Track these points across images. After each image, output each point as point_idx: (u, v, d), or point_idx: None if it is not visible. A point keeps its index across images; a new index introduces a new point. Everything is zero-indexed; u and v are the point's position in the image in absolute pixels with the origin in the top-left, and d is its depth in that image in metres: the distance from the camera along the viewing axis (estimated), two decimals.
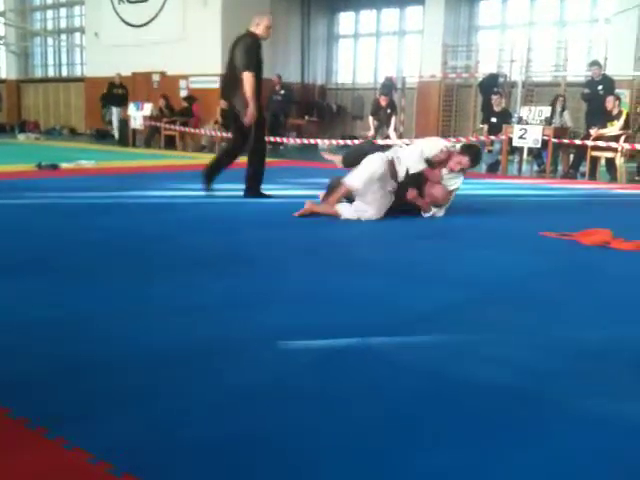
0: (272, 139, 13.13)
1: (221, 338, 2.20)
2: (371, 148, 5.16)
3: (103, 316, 2.40)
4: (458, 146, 5.26)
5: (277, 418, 1.63)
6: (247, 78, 5.47)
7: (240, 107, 5.61)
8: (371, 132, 11.42)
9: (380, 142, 10.83)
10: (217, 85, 15.47)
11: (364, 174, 4.59)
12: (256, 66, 5.56)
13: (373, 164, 4.64)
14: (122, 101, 14.76)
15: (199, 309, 2.51)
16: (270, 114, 14.60)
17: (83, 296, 2.65)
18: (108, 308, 2.49)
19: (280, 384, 1.84)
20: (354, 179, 4.62)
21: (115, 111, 15.10)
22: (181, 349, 2.08)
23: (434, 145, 5.02)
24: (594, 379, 1.94)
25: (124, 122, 13.96)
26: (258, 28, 5.71)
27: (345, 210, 4.69)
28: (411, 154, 4.89)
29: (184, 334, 2.21)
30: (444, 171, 4.95)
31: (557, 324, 2.49)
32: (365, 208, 4.65)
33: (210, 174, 5.84)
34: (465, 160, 4.93)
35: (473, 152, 5.08)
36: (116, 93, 15.08)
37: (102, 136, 16.56)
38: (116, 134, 14.95)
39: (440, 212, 4.97)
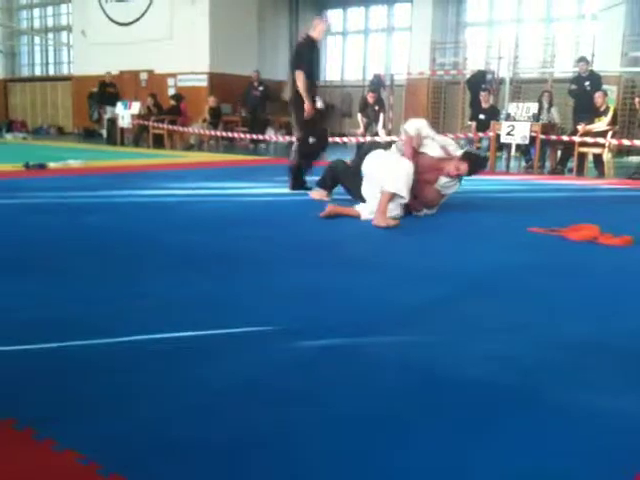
0: (254, 136, 13.12)
1: (208, 337, 2.20)
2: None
3: (90, 316, 2.39)
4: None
5: (264, 418, 1.63)
6: (298, 76, 5.93)
7: (290, 106, 6.24)
8: (360, 129, 11.42)
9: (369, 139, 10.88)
10: (205, 83, 15.47)
11: (404, 178, 4.52)
12: (308, 66, 5.97)
13: (406, 167, 4.58)
14: (114, 100, 14.56)
15: (186, 308, 2.51)
16: (248, 111, 14.61)
17: (70, 296, 2.64)
18: (95, 307, 2.49)
19: (267, 383, 1.84)
20: (399, 186, 4.50)
21: (110, 110, 14.93)
22: (168, 348, 2.08)
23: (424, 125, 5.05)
24: (582, 373, 1.96)
25: (112, 121, 13.90)
26: (314, 31, 6.07)
27: (364, 211, 4.67)
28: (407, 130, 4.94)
29: (171, 333, 2.21)
30: (443, 178, 4.93)
31: (545, 318, 2.50)
32: (390, 207, 4.59)
33: (297, 178, 6.26)
34: (464, 167, 4.87)
35: (475, 161, 4.98)
36: (108, 92, 14.97)
37: (90, 135, 16.50)
38: (104, 133, 14.89)
39: (431, 211, 4.99)
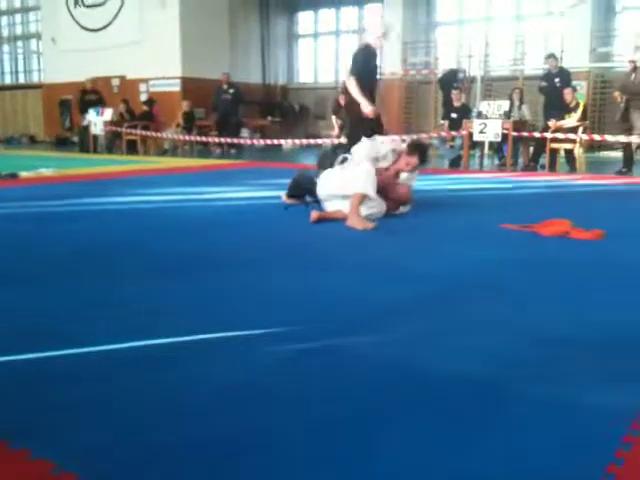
0: (223, 140, 12.85)
1: (188, 342, 2.19)
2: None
3: (65, 325, 2.37)
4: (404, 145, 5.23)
5: (246, 420, 1.63)
6: (349, 82, 6.02)
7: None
8: (335, 131, 11.43)
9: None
10: (178, 88, 15.41)
11: (366, 177, 4.54)
12: (366, 71, 6.03)
13: (365, 167, 4.59)
14: (97, 107, 14.15)
15: (167, 314, 2.50)
16: (218, 115, 14.16)
17: (47, 305, 2.61)
18: (72, 316, 2.47)
19: (249, 386, 1.84)
20: (367, 187, 4.52)
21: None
22: (147, 353, 2.07)
23: (374, 145, 5.01)
24: (557, 366, 1.98)
25: (85, 128, 13.77)
26: (370, 38, 6.15)
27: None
28: (357, 157, 4.90)
29: (151, 340, 2.20)
30: (402, 174, 4.98)
31: (521, 313, 2.53)
32: (373, 205, 4.64)
33: None
34: (414, 160, 4.89)
35: (421, 151, 4.96)
36: (88, 99, 14.70)
37: (62, 143, 16.35)
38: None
39: (406, 208, 5.02)
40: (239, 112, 14.52)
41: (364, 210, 4.57)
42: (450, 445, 1.50)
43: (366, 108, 5.86)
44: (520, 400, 1.74)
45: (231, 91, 14.17)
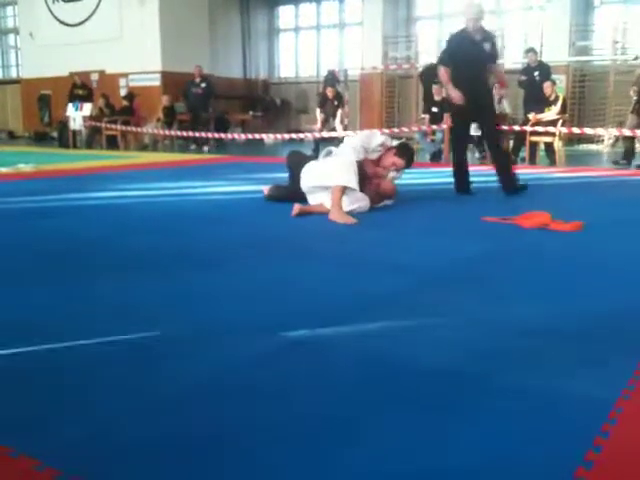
0: (192, 135, 12.32)
1: (167, 337, 2.18)
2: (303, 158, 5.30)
3: (41, 320, 2.35)
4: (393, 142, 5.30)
5: (228, 415, 1.63)
6: (439, 71, 5.99)
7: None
8: (318, 125, 11.42)
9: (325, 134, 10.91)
10: (158, 82, 15.31)
11: (347, 168, 4.53)
12: (458, 55, 5.79)
13: (345, 159, 4.61)
14: (86, 101, 13.79)
15: (146, 309, 2.49)
16: (188, 109, 13.74)
17: (23, 301, 2.60)
18: (49, 312, 2.45)
19: (229, 379, 1.84)
20: (348, 179, 4.51)
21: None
22: (127, 350, 2.07)
23: (372, 137, 5.06)
24: (537, 357, 2.00)
25: (64, 124, 13.65)
26: (466, 21, 5.90)
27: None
28: (344, 147, 4.92)
29: (130, 334, 2.19)
30: (391, 173, 5.06)
31: (501, 304, 2.55)
32: (357, 199, 4.67)
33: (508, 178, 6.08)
34: (400, 162, 5.03)
35: (409, 155, 5.15)
36: (76, 94, 14.51)
37: (41, 138, 16.20)
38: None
39: (390, 201, 5.04)
40: (209, 107, 13.90)
41: (348, 205, 4.58)
42: (431, 437, 1.52)
43: (454, 96, 5.75)
44: (500, 391, 1.76)
45: (203, 85, 13.58)
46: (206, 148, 12.91)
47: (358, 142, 4.90)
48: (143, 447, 1.47)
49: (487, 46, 5.83)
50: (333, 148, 5.02)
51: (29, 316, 2.42)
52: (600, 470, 1.37)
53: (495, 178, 6.07)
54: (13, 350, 2.06)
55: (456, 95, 5.74)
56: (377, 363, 1.96)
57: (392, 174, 5.06)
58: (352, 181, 4.52)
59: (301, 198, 5.14)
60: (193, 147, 13.34)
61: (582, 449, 1.44)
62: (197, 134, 12.27)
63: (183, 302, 2.59)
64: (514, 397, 1.72)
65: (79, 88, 14.69)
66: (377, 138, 5.05)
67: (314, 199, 4.82)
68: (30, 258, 3.43)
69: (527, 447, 1.47)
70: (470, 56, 5.76)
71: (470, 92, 5.74)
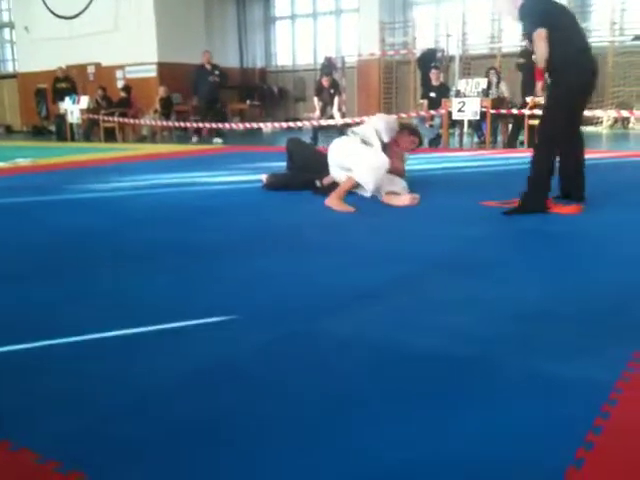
0: (207, 126, 12.20)
1: (166, 329, 2.18)
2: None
3: (39, 315, 2.36)
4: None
5: (224, 404, 1.63)
6: (539, 44, 4.07)
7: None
8: (316, 113, 11.38)
9: (323, 122, 10.88)
10: (154, 74, 15.26)
11: (376, 172, 4.47)
12: (563, 25, 4.19)
13: (382, 162, 4.52)
14: (69, 95, 13.62)
15: (144, 302, 2.49)
16: (203, 99, 12.93)
17: (22, 296, 2.60)
18: (48, 306, 2.45)
19: (227, 370, 1.84)
20: (368, 179, 4.46)
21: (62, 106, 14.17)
22: (124, 342, 2.07)
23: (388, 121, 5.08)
24: (535, 341, 2.00)
25: (61, 117, 13.62)
26: None
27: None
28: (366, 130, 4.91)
29: (127, 328, 2.19)
30: (405, 154, 5.16)
31: (500, 288, 2.55)
32: (396, 182, 4.78)
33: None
34: (416, 139, 5.21)
35: (419, 133, 5.33)
36: (60, 87, 14.43)
37: (39, 132, 16.17)
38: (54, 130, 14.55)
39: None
40: (226, 98, 13.44)
41: (392, 186, 4.67)
42: (430, 423, 1.52)
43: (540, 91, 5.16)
44: (500, 374, 1.76)
45: (217, 72, 12.82)
46: (220, 140, 12.25)
47: (379, 131, 4.84)
48: (140, 438, 1.47)
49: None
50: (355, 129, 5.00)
51: (26, 311, 2.42)
52: (600, 451, 1.37)
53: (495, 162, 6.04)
54: (10, 346, 2.06)
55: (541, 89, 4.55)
56: (375, 350, 1.96)
57: (405, 155, 5.17)
58: (370, 184, 4.49)
59: (299, 185, 5.14)
60: (195, 139, 12.77)
61: (582, 430, 1.44)
62: (209, 125, 12.03)
63: (179, 293, 2.59)
64: (514, 380, 1.72)
65: (62, 81, 14.59)
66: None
67: (336, 170, 4.84)
68: (28, 253, 3.42)
69: (527, 429, 1.47)
70: (577, 24, 4.37)
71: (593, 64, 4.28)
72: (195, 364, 1.88)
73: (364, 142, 4.73)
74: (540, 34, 4.02)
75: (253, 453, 1.40)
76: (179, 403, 1.64)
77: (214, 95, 12.92)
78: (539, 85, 4.53)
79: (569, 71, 4.12)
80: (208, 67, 12.80)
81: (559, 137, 4.27)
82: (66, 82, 14.65)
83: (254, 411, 1.59)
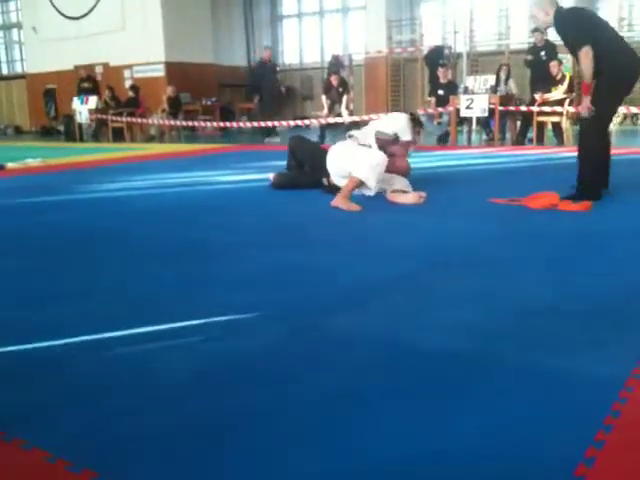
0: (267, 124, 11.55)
1: (175, 328, 2.19)
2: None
3: (49, 314, 2.37)
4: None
5: (231, 401, 1.64)
6: (583, 55, 4.22)
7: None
8: (325, 111, 11.36)
9: (331, 120, 10.87)
10: (162, 73, 15.28)
11: (376, 169, 4.50)
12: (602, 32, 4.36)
13: (379, 158, 4.56)
14: (92, 94, 13.53)
15: (153, 300, 2.50)
16: (267, 99, 12.38)
17: (31, 294, 2.61)
18: (56, 305, 2.46)
19: (233, 366, 1.85)
20: (369, 175, 4.48)
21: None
22: (132, 341, 2.08)
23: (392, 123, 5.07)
24: (542, 336, 1.99)
25: (70, 117, 13.65)
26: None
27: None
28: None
29: (136, 327, 2.20)
30: (410, 149, 5.15)
31: (507, 286, 2.54)
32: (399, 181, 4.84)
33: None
34: (418, 128, 5.27)
35: (418, 119, 5.38)
36: (83, 87, 14.44)
37: (48, 133, 16.22)
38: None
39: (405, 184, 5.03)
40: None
41: (404, 186, 4.74)
42: (436, 418, 1.52)
43: (584, 108, 4.37)
44: (509, 371, 1.76)
45: (278, 69, 12.30)
46: (277, 139, 11.90)
47: (383, 130, 4.94)
48: (150, 437, 1.48)
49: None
50: (354, 133, 4.99)
51: (36, 311, 2.43)
52: (611, 450, 1.36)
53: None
54: (20, 346, 2.07)
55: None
56: (381, 345, 1.96)
57: (410, 150, 5.16)
58: (372, 180, 4.51)
59: (307, 184, 5.14)
60: (267, 140, 11.97)
61: (593, 429, 1.44)
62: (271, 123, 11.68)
63: (186, 290, 2.60)
64: (522, 377, 1.72)
65: (85, 81, 14.66)
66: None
67: (341, 181, 4.82)
68: (37, 252, 3.44)
69: (537, 427, 1.46)
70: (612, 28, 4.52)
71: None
72: (203, 362, 1.89)
73: (361, 145, 4.76)
74: (587, 53, 4.19)
75: (259, 448, 1.41)
76: (190, 401, 1.65)
77: (274, 93, 12.66)
78: (586, 100, 4.32)
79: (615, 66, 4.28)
80: (269, 64, 12.44)
81: (608, 120, 4.62)
82: (89, 82, 14.67)
83: (264, 404, 1.59)
